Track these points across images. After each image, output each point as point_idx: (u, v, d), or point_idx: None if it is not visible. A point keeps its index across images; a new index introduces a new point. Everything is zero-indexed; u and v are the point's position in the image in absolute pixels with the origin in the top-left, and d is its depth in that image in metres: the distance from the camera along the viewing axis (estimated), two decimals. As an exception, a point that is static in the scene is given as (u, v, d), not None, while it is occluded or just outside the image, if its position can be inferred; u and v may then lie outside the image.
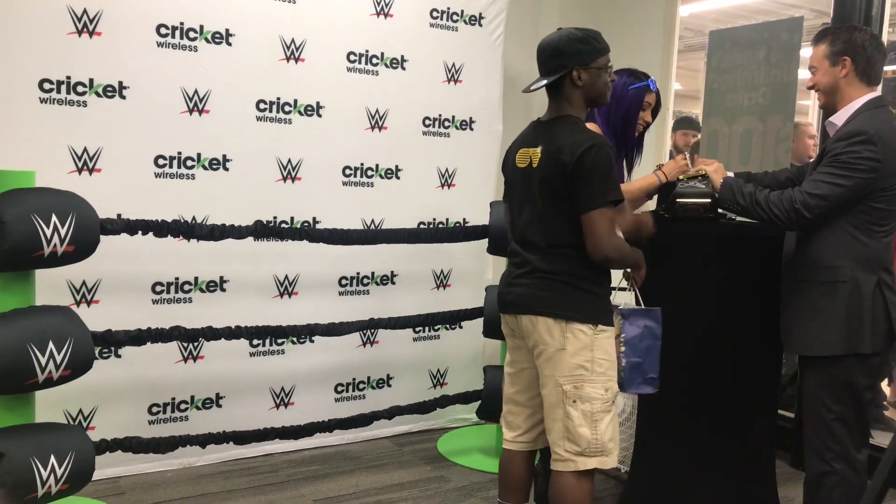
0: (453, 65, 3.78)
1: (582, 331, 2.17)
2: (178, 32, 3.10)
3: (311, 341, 3.50)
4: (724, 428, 2.79)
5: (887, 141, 2.30)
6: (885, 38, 3.51)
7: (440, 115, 3.78)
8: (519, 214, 2.32)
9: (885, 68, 3.07)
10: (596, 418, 2.18)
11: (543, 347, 2.20)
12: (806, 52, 2.64)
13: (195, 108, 3.17)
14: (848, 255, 2.35)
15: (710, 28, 4.44)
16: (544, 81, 2.26)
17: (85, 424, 3.07)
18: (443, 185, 3.83)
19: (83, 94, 2.96)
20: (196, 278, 3.26)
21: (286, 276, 3.46)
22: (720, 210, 2.68)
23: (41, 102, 2.88)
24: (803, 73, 3.65)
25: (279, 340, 3.45)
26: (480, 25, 3.84)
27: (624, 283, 2.46)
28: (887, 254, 2.41)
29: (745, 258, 2.77)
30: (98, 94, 2.98)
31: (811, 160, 2.86)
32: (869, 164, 2.27)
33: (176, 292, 3.22)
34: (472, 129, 3.87)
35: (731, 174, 2.74)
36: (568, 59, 2.22)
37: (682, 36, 4.67)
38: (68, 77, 2.92)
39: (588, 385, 2.17)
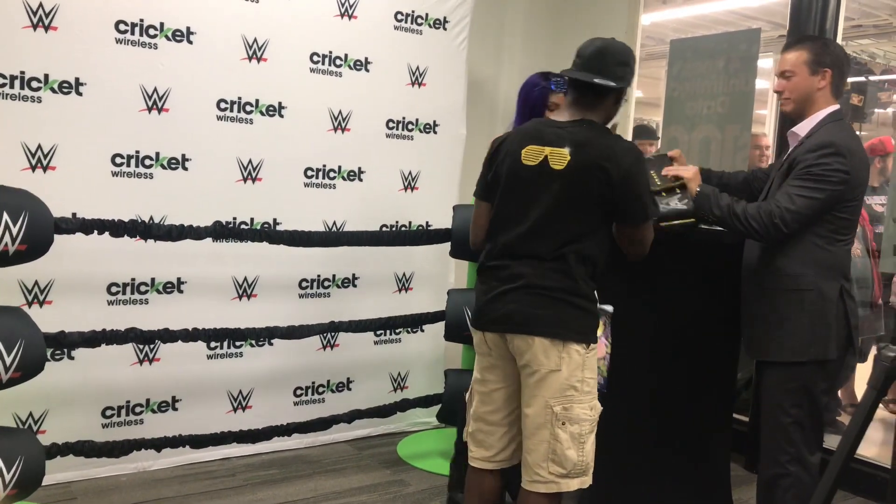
0: (417, 68, 3.78)
1: (577, 351, 2.11)
2: (137, 29, 3.05)
3: (270, 344, 3.46)
4: (679, 431, 2.83)
5: (854, 153, 2.34)
6: (838, 51, 3.60)
7: (404, 118, 3.77)
8: (519, 216, 2.18)
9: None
10: (583, 440, 2.13)
11: (537, 368, 2.11)
12: (764, 63, 2.69)
13: (154, 107, 3.12)
14: (812, 263, 2.39)
15: (670, 37, 4.51)
16: (606, 83, 2.15)
17: (35, 428, 3.00)
18: (406, 188, 3.83)
19: (38, 89, 2.89)
20: (153, 279, 3.21)
21: (245, 278, 3.42)
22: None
23: (-6, 97, 2.82)
24: (761, 84, 3.71)
25: (237, 343, 3.41)
26: (445, 29, 3.85)
27: None
28: (847, 261, 2.46)
29: (703, 264, 2.81)
30: (54, 91, 2.92)
31: (763, 167, 2.91)
32: (839, 175, 2.31)
33: (132, 293, 3.17)
34: (435, 132, 3.88)
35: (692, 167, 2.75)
36: (629, 75, 2.20)
37: (643, 44, 4.75)
38: (22, 72, 2.85)
39: (577, 405, 2.12)
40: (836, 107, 2.47)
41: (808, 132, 2.45)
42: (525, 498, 2.18)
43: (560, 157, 2.12)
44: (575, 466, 2.13)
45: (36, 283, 2.95)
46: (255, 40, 3.31)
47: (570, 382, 2.11)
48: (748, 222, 2.38)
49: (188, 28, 3.16)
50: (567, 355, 2.10)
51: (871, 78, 6.40)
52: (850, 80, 4.72)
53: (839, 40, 3.54)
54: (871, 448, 3.69)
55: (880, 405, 2.01)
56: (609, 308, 2.39)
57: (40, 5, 2.85)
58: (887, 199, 3.53)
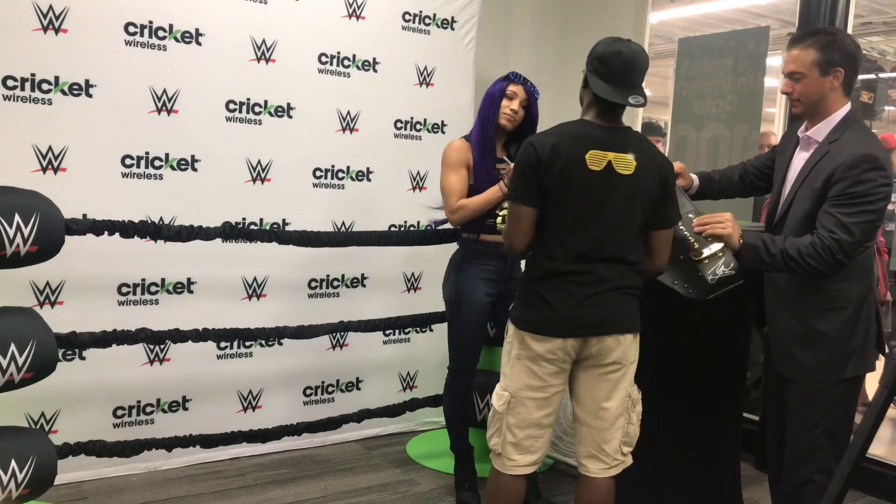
0: (425, 68, 3.78)
1: (638, 338, 2.31)
2: (146, 31, 3.07)
3: (280, 344, 3.47)
4: (689, 429, 2.82)
5: (886, 160, 2.23)
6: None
7: (412, 118, 3.78)
8: (591, 221, 2.17)
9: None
10: (640, 416, 2.34)
11: (624, 363, 2.26)
12: (772, 61, 2.67)
13: (164, 108, 3.14)
14: (849, 277, 2.28)
15: (678, 36, 4.51)
16: (642, 101, 2.16)
17: (47, 428, 3.02)
18: (414, 188, 3.83)
19: (48, 91, 2.91)
20: (163, 280, 3.22)
21: (255, 278, 3.43)
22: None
23: (5, 100, 2.82)
24: (770, 82, 3.69)
25: (247, 343, 3.42)
26: (452, 29, 3.85)
27: None
28: (873, 261, 2.42)
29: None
30: (64, 93, 2.93)
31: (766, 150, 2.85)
32: (884, 190, 2.20)
33: (142, 294, 3.18)
34: (443, 132, 3.88)
35: (694, 177, 2.74)
36: None
37: (651, 43, 4.74)
38: (33, 74, 2.87)
39: (634, 388, 2.32)
40: (849, 105, 2.34)
41: (826, 136, 2.31)
42: (603, 485, 2.32)
43: (626, 162, 2.16)
44: (636, 440, 2.34)
45: (47, 283, 2.97)
46: (264, 41, 3.32)
47: (635, 368, 2.31)
48: (806, 262, 2.20)
49: (197, 30, 3.17)
50: (636, 344, 2.30)
51: (881, 75, 6.37)
52: (860, 77, 4.68)
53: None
54: (882, 447, 3.68)
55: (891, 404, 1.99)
56: None
57: (50, 7, 2.87)
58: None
